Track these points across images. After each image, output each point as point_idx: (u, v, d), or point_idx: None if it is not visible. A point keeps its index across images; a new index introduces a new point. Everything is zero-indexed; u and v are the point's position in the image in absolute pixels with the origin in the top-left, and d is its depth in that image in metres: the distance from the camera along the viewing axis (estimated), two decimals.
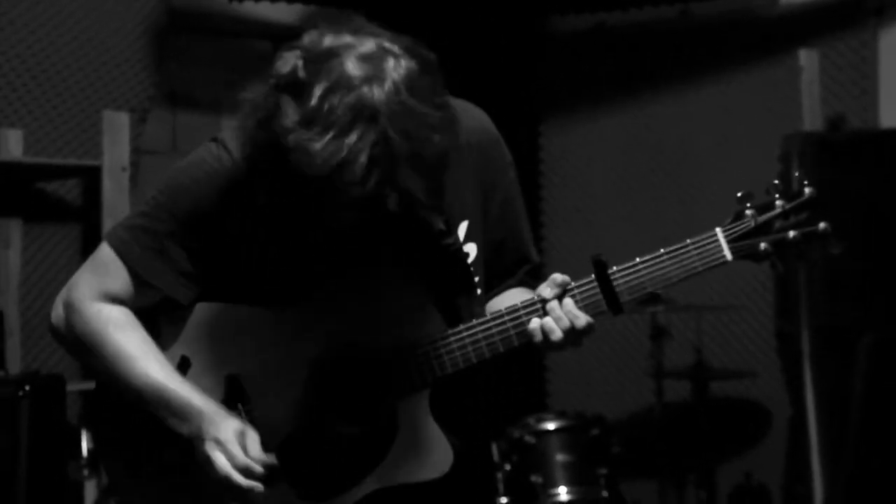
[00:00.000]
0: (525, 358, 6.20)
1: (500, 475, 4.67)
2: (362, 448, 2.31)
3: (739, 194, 2.28)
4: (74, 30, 5.18)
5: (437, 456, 2.29)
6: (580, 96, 6.43)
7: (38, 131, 5.07)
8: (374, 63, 2.02)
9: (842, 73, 5.53)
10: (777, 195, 2.25)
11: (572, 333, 2.23)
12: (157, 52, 5.49)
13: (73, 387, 4.80)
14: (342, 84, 2.00)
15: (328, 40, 2.07)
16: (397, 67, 2.03)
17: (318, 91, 2.00)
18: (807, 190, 2.24)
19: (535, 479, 4.60)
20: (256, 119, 2.09)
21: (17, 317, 4.97)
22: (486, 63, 5.86)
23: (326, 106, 1.98)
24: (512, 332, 2.26)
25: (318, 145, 1.98)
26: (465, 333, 2.27)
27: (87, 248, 5.18)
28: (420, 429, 2.30)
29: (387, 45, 2.06)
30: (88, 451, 4.71)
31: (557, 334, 2.22)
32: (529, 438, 4.66)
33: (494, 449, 4.67)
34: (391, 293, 2.30)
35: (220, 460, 2.23)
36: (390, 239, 2.23)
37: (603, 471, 4.67)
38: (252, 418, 2.35)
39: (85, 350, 2.39)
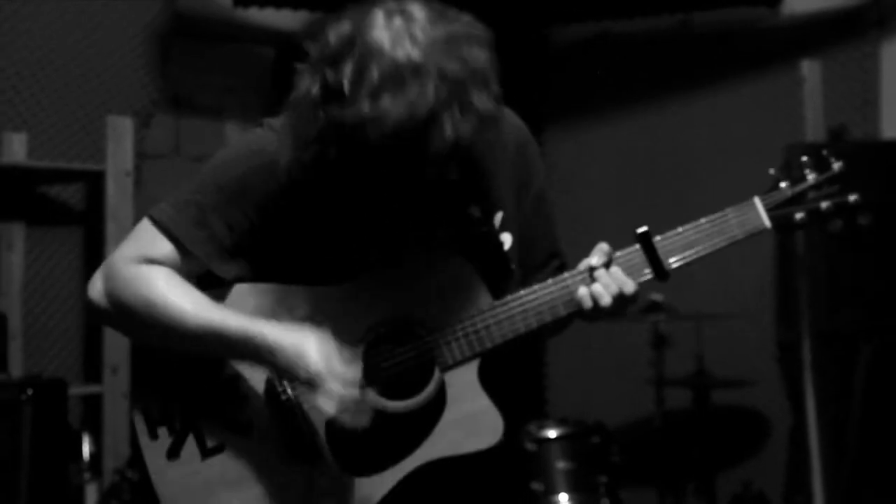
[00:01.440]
0: (525, 365, 6.22)
1: None
2: (411, 422, 2.30)
3: (772, 170, 2.37)
4: (78, 34, 5.19)
5: (488, 425, 2.29)
6: (583, 105, 6.44)
7: (41, 135, 5.08)
8: (390, 26, 2.05)
9: (844, 83, 5.54)
10: (807, 169, 2.35)
11: (620, 299, 2.30)
12: (160, 57, 5.50)
13: (75, 390, 4.82)
14: (371, 55, 2.02)
15: (347, 24, 2.09)
16: (410, 18, 2.06)
17: (352, 68, 2.02)
18: (835, 165, 2.35)
19: (536, 486, 4.60)
20: (309, 111, 2.09)
21: (19, 320, 4.98)
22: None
23: (368, 79, 2.00)
24: (559, 301, 2.31)
25: (378, 109, 1.99)
26: (513, 304, 2.31)
27: (90, 252, 5.19)
28: (470, 400, 2.29)
29: (387, 7, 2.09)
30: (90, 454, 4.72)
31: (606, 299, 2.29)
32: (531, 446, 4.66)
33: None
34: (438, 269, 2.32)
35: (312, 357, 2.17)
36: (433, 223, 2.29)
37: (603, 479, 4.68)
38: (297, 394, 2.34)
39: (129, 314, 2.31)
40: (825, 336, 5.09)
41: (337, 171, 2.13)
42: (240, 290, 2.36)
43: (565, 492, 4.62)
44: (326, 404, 2.17)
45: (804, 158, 2.37)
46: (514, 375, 2.47)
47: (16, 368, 4.82)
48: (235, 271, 2.34)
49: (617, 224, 6.14)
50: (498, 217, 2.41)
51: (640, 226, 2.37)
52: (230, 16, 5.59)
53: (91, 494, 4.77)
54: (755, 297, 5.78)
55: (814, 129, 5.28)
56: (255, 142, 2.33)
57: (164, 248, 2.31)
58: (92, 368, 5.13)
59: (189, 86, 5.70)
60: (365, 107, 2.00)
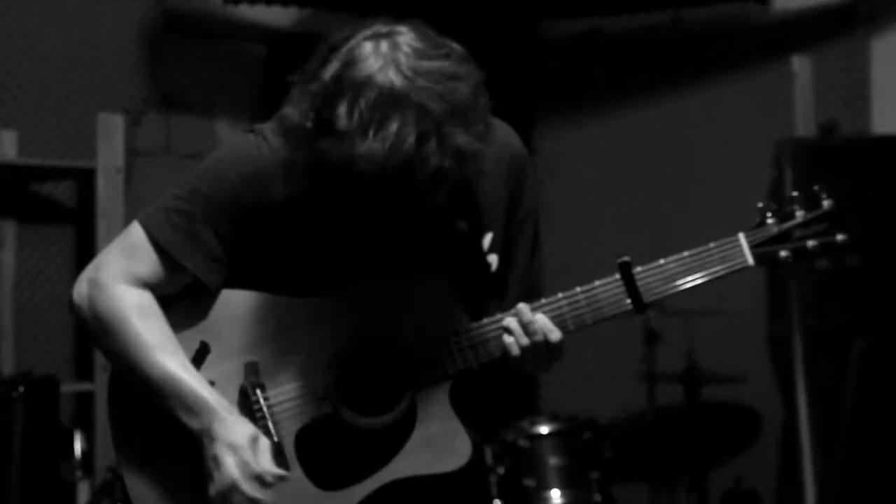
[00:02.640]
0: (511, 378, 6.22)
1: (493, 479, 4.68)
2: (380, 439, 2.31)
3: (760, 204, 2.33)
4: (69, 32, 5.19)
5: (455, 448, 2.30)
6: (573, 101, 6.44)
7: (32, 132, 5.07)
8: (376, 54, 2.09)
9: (834, 79, 5.55)
10: (796, 206, 2.31)
11: (538, 349, 2.27)
12: (151, 55, 5.50)
13: (67, 388, 4.81)
14: (359, 87, 2.06)
15: (337, 59, 2.12)
16: (396, 46, 2.10)
17: (343, 105, 2.06)
18: (825, 202, 2.31)
19: (528, 482, 4.61)
20: (302, 142, 2.14)
21: (10, 318, 4.97)
22: (479, 66, 5.86)
23: (356, 113, 2.04)
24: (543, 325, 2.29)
25: (363, 148, 2.03)
26: (489, 327, 2.30)
27: (81, 249, 5.19)
28: (439, 421, 2.30)
29: (375, 31, 2.13)
30: (81, 451, 4.72)
31: (515, 350, 2.27)
32: (523, 442, 4.67)
33: (488, 452, 4.68)
34: (415, 287, 2.32)
35: (230, 465, 2.22)
36: (418, 239, 2.27)
37: (595, 474, 4.69)
38: (270, 406, 2.34)
39: (103, 331, 2.35)
40: (816, 332, 5.11)
41: (326, 199, 2.16)
42: (225, 297, 2.37)
43: (557, 488, 4.63)
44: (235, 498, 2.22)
45: (794, 193, 2.33)
46: (498, 392, 2.50)
47: (7, 366, 4.82)
48: (222, 280, 2.36)
49: (607, 221, 6.16)
50: (487, 238, 2.40)
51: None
52: (221, 13, 5.58)
53: (83, 492, 4.77)
54: (746, 293, 5.78)
55: (804, 124, 5.30)
56: (245, 149, 2.34)
57: (153, 260, 2.33)
58: (83, 366, 5.13)
59: (180, 83, 5.69)
60: (358, 145, 2.03)
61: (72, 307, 2.40)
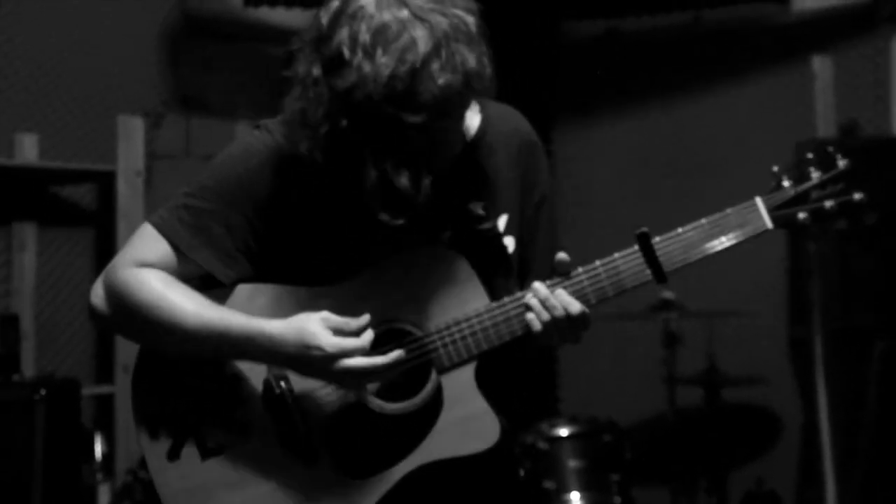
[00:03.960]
0: (537, 363, 6.21)
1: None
2: (407, 424, 2.29)
3: (776, 167, 2.31)
4: (89, 35, 5.20)
5: (483, 429, 2.26)
6: (593, 101, 6.43)
7: (53, 136, 5.09)
8: None
9: (855, 79, 5.52)
10: (812, 167, 2.28)
11: (560, 323, 2.26)
12: (171, 58, 5.51)
13: (87, 390, 4.82)
14: (359, 15, 2.09)
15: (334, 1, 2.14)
16: None
17: (346, 33, 2.09)
18: (841, 162, 2.28)
19: (548, 484, 4.59)
20: (314, 90, 2.13)
21: (31, 320, 4.98)
22: (499, 67, 5.86)
23: (360, 38, 2.07)
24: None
25: (371, 68, 2.04)
26: (509, 305, 2.28)
27: (102, 252, 5.20)
28: (467, 403, 2.27)
29: None
30: (102, 454, 4.73)
31: (536, 325, 2.25)
32: (542, 444, 4.65)
33: None
34: (436, 269, 2.31)
35: (323, 357, 2.19)
36: (436, 222, 2.30)
37: (615, 477, 4.67)
38: (294, 396, 2.34)
39: (129, 318, 2.34)
40: (838, 333, 5.08)
41: (349, 144, 2.12)
42: (241, 290, 2.37)
43: (577, 490, 4.61)
44: (353, 380, 2.21)
45: (809, 155, 2.30)
46: (525, 374, 2.48)
47: (28, 369, 4.82)
48: (235, 274, 2.35)
49: (626, 220, 6.12)
50: (503, 219, 2.40)
51: (649, 223, 2.33)
52: (240, 15, 5.60)
53: (103, 494, 4.78)
54: (767, 295, 5.77)
55: (825, 125, 5.27)
56: (251, 144, 2.36)
57: (161, 251, 2.34)
58: (104, 368, 5.14)
59: (200, 86, 5.70)
60: (365, 66, 2.05)
61: (92, 314, 2.41)
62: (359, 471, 2.30)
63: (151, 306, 2.29)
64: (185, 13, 5.55)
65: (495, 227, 2.37)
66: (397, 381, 2.29)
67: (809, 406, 5.38)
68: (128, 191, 4.96)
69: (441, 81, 2.07)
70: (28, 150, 4.93)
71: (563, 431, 4.72)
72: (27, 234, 5.03)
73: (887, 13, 5.49)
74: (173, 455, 2.38)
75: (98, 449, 4.72)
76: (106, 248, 5.12)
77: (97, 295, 2.38)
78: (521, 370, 2.51)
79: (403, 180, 2.11)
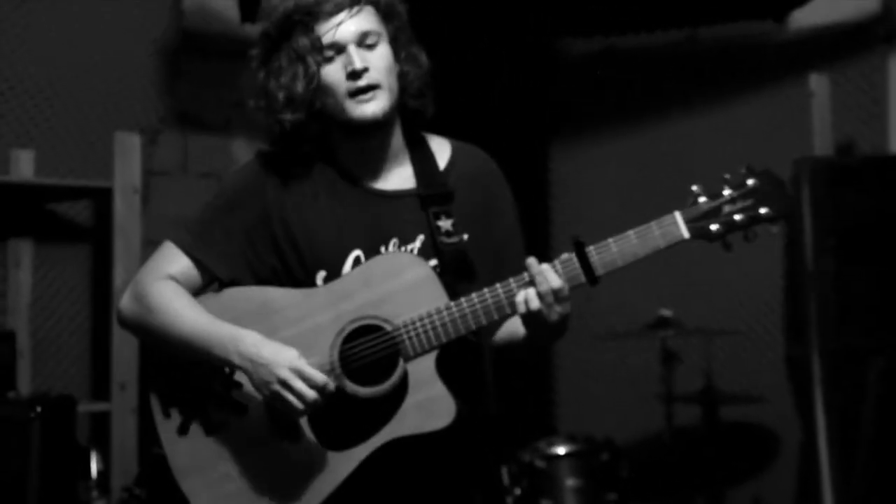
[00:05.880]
0: (533, 380, 6.20)
1: (510, 499, 4.66)
2: (379, 406, 2.64)
3: (694, 187, 2.67)
4: (86, 51, 5.20)
5: (443, 409, 2.61)
6: (589, 118, 6.44)
7: (49, 152, 5.08)
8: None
9: (852, 97, 5.54)
10: (725, 186, 2.66)
11: (547, 299, 2.57)
12: (168, 74, 5.51)
13: (83, 407, 4.81)
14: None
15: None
16: None
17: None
18: (749, 181, 2.65)
19: (546, 503, 4.59)
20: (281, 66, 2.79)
21: (27, 337, 4.97)
22: (496, 84, 5.87)
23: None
24: (504, 301, 2.62)
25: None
26: (464, 304, 2.63)
27: (98, 268, 5.19)
28: (428, 387, 2.63)
29: None
30: (97, 471, 4.71)
31: (534, 302, 2.57)
32: (539, 463, 4.66)
33: (505, 473, 4.66)
34: (402, 273, 2.68)
35: (296, 383, 2.56)
36: (411, 231, 2.76)
37: (612, 496, 4.68)
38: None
39: (146, 321, 2.76)
40: (834, 352, 5.08)
41: (318, 87, 2.72)
42: (244, 293, 2.78)
43: None
44: (294, 402, 2.58)
45: (726, 176, 2.66)
46: (479, 359, 2.82)
47: (24, 386, 4.81)
48: (231, 272, 2.78)
49: None
50: (464, 237, 2.77)
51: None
52: (237, 32, 5.58)
53: None
54: (764, 313, 5.77)
55: (822, 143, 5.28)
56: (245, 165, 2.87)
57: (180, 261, 2.78)
58: (100, 385, 5.12)
59: (196, 102, 5.70)
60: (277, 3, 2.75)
61: (119, 317, 2.84)
62: (337, 444, 2.66)
63: (159, 311, 2.74)
64: (182, 30, 5.55)
65: (461, 241, 2.75)
66: (371, 369, 2.65)
67: (807, 424, 5.37)
68: (124, 207, 4.94)
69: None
70: (24, 166, 4.93)
71: (561, 450, 4.72)
72: (23, 251, 5.02)
73: (883, 32, 5.51)
74: (183, 431, 2.78)
75: (93, 466, 4.70)
76: (102, 265, 5.11)
77: (124, 301, 2.82)
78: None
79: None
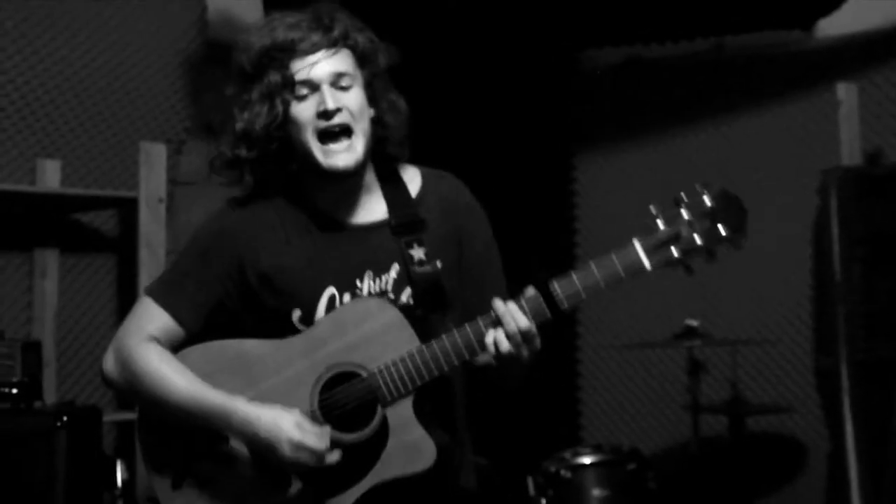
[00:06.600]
0: (558, 389, 6.18)
1: None
2: (361, 451, 2.69)
3: (652, 208, 2.64)
4: (112, 62, 5.21)
5: (421, 452, 2.67)
6: (614, 129, 6.42)
7: (75, 162, 5.09)
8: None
9: (880, 106, 5.50)
10: (682, 207, 2.62)
11: (516, 339, 2.60)
12: (193, 84, 5.51)
13: (109, 417, 4.81)
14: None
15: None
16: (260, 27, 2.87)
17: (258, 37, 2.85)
18: (707, 200, 2.61)
19: None
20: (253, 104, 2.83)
21: (52, 347, 4.98)
22: (521, 96, 5.86)
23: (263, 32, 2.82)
24: (474, 342, 2.66)
25: (284, 22, 2.81)
26: (435, 347, 2.67)
27: (123, 278, 5.20)
28: (407, 431, 2.68)
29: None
30: (122, 481, 4.71)
31: (505, 345, 2.60)
32: (565, 473, 4.63)
33: (530, 482, 4.64)
34: (372, 320, 2.71)
35: (303, 453, 2.64)
36: (384, 261, 2.79)
37: None
38: None
39: (132, 385, 2.82)
40: (863, 362, 5.05)
41: (284, 120, 2.76)
42: (206, 347, 2.83)
43: None
44: (309, 460, 2.66)
45: (682, 194, 2.62)
46: (452, 397, 2.86)
47: (50, 395, 4.81)
48: (197, 319, 2.84)
49: None
50: (438, 264, 2.81)
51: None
52: None
53: None
54: (791, 323, 5.73)
55: (850, 152, 5.25)
56: (215, 213, 2.92)
57: (158, 316, 2.83)
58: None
59: (222, 112, 5.70)
60: (278, 30, 2.78)
61: (104, 379, 2.89)
62: (325, 492, 2.71)
63: (148, 377, 2.77)
64: (207, 40, 5.55)
65: (435, 268, 2.79)
66: (353, 415, 2.70)
67: (836, 435, 5.33)
68: (150, 217, 4.95)
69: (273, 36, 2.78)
70: (50, 176, 4.94)
71: (587, 460, 4.68)
72: (49, 261, 5.03)
73: None
74: (176, 486, 2.82)
75: (119, 476, 4.70)
76: (127, 275, 5.12)
77: (107, 362, 2.87)
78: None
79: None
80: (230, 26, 5.70)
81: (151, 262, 4.87)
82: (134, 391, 2.83)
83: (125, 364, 2.81)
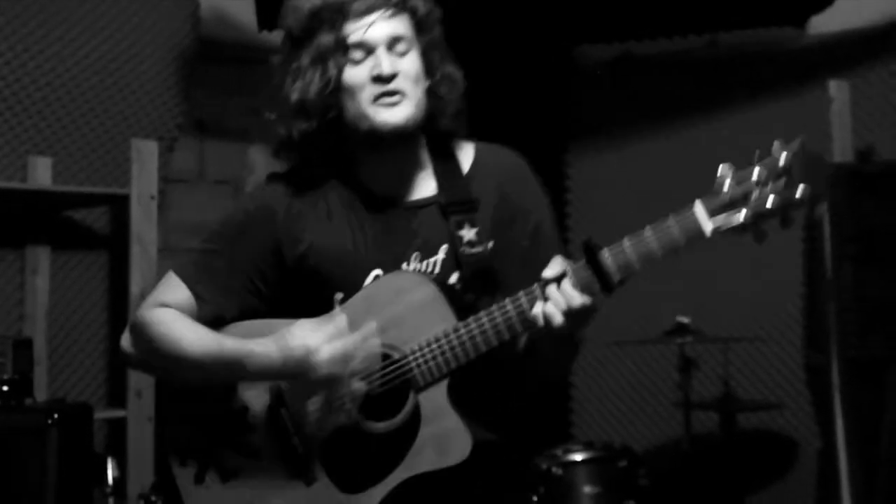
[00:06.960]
0: (549, 386, 6.18)
1: None
2: (392, 442, 2.52)
3: (721, 167, 2.34)
4: (104, 59, 5.20)
5: (456, 443, 2.46)
6: (608, 126, 6.41)
7: (66, 159, 5.08)
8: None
9: (872, 103, 5.50)
10: (755, 165, 2.29)
11: (570, 315, 2.38)
12: (185, 81, 5.51)
13: (100, 414, 4.81)
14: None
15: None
16: None
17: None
18: (782, 157, 2.26)
19: None
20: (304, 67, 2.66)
21: (44, 344, 4.98)
22: (514, 91, 5.86)
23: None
24: (515, 319, 2.45)
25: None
26: (473, 325, 2.47)
27: (115, 275, 5.19)
28: (440, 420, 2.49)
29: None
30: (113, 478, 4.71)
31: (558, 319, 2.38)
32: (556, 470, 4.62)
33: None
34: (407, 296, 2.53)
35: (338, 364, 2.48)
36: (432, 243, 2.63)
37: (631, 503, 4.63)
38: (294, 422, 2.62)
39: (149, 352, 2.66)
40: (854, 359, 5.05)
41: (335, 95, 2.60)
42: (247, 327, 2.67)
43: None
44: (337, 366, 2.49)
45: (756, 152, 2.30)
46: (495, 381, 2.65)
47: (41, 393, 4.81)
48: (234, 308, 2.68)
49: None
50: (489, 245, 2.63)
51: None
52: (255, 39, 5.59)
53: None
54: (783, 320, 5.73)
55: (842, 149, 5.24)
56: (250, 193, 2.85)
57: (180, 294, 2.67)
58: (116, 392, 5.12)
59: (213, 109, 5.71)
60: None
61: (121, 353, 2.75)
62: (353, 486, 2.54)
63: (162, 338, 2.60)
64: (199, 37, 5.55)
65: (486, 250, 2.61)
66: (382, 402, 2.53)
67: (826, 432, 5.34)
68: (141, 214, 4.94)
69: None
70: (41, 173, 4.93)
71: (578, 457, 4.68)
72: (40, 258, 5.02)
73: None
74: (199, 480, 2.71)
75: (110, 473, 4.70)
76: (119, 272, 5.11)
77: (124, 338, 2.72)
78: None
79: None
80: (223, 23, 5.71)
81: (143, 259, 4.86)
82: (151, 357, 2.66)
83: (140, 333, 2.64)
